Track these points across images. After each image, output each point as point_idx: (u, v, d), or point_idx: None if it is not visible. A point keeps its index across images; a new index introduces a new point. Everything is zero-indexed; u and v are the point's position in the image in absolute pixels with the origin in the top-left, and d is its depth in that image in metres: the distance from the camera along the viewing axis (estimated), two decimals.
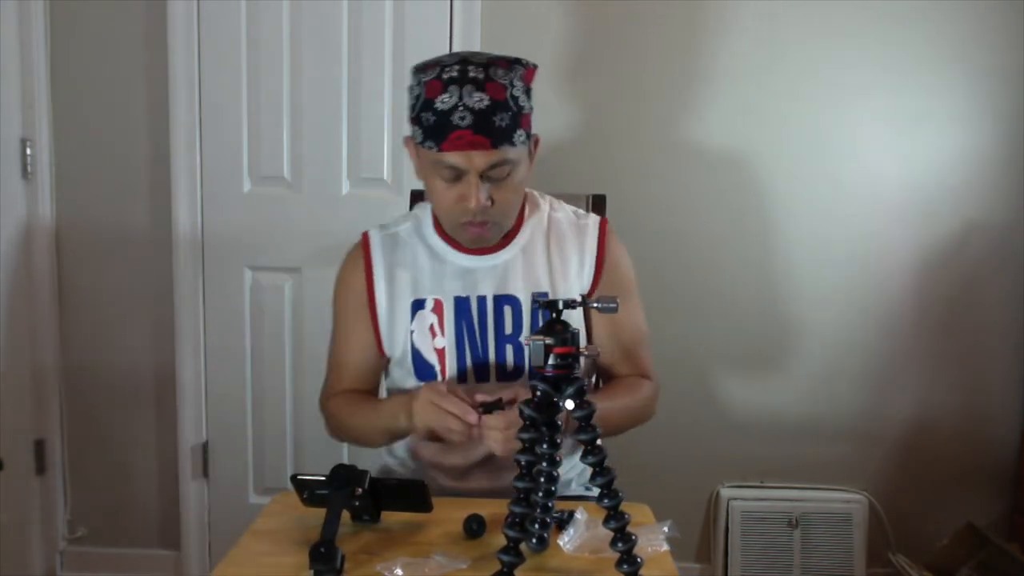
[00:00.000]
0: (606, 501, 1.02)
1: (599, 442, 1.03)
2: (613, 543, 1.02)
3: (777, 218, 2.44)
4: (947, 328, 2.48)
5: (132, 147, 2.42)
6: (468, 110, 1.26)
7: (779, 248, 2.45)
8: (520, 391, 1.27)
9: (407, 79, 1.37)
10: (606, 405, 1.20)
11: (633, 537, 1.02)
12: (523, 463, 1.05)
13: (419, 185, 2.16)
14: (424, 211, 1.51)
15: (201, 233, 2.41)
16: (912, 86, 2.39)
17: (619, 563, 1.02)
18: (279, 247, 2.42)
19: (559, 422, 1.06)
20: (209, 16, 2.33)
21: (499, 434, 1.24)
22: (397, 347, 1.46)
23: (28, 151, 2.36)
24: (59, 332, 2.47)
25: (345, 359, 1.51)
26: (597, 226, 1.50)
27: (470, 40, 2.32)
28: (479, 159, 1.29)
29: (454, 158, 1.30)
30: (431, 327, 1.44)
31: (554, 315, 1.05)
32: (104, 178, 2.43)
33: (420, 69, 1.33)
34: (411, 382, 1.47)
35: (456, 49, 2.31)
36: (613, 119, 2.41)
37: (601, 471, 1.02)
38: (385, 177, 2.39)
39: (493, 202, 1.33)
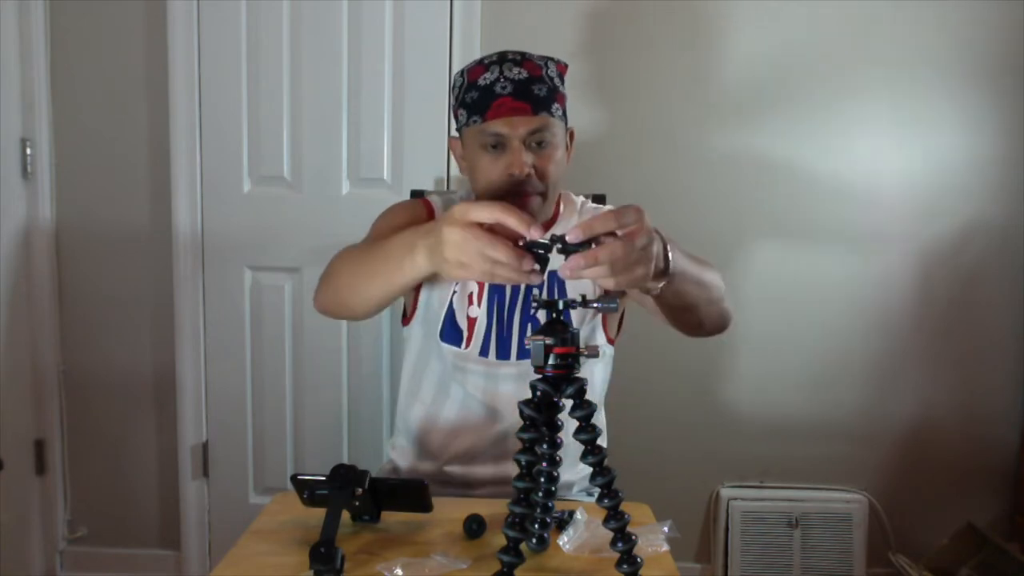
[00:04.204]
0: (606, 501, 1.02)
1: (599, 442, 1.03)
2: (613, 543, 1.02)
3: (777, 218, 2.44)
4: (947, 328, 2.48)
5: (132, 147, 2.42)
6: (508, 80, 1.37)
7: (779, 248, 2.45)
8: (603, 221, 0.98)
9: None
10: (682, 255, 1.13)
11: (633, 537, 1.02)
12: (523, 463, 1.05)
13: (419, 185, 2.17)
14: (469, 191, 1.53)
15: (201, 233, 2.41)
16: (912, 86, 2.39)
17: (619, 563, 1.02)
18: (279, 247, 2.42)
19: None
20: (209, 16, 2.34)
21: (603, 268, 0.97)
22: (432, 305, 1.49)
23: (28, 151, 2.36)
24: (59, 332, 2.47)
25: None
26: None
27: (470, 40, 2.32)
28: (521, 124, 1.36)
29: (497, 126, 1.36)
30: (471, 295, 1.48)
31: (554, 315, 1.05)
32: (104, 178, 2.43)
33: (463, 69, 1.44)
34: (433, 344, 1.49)
35: (456, 49, 2.32)
36: (613, 118, 2.41)
37: (601, 471, 1.02)
38: (385, 177, 2.39)
39: (537, 171, 1.38)
